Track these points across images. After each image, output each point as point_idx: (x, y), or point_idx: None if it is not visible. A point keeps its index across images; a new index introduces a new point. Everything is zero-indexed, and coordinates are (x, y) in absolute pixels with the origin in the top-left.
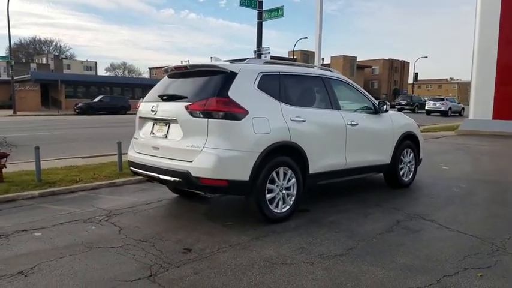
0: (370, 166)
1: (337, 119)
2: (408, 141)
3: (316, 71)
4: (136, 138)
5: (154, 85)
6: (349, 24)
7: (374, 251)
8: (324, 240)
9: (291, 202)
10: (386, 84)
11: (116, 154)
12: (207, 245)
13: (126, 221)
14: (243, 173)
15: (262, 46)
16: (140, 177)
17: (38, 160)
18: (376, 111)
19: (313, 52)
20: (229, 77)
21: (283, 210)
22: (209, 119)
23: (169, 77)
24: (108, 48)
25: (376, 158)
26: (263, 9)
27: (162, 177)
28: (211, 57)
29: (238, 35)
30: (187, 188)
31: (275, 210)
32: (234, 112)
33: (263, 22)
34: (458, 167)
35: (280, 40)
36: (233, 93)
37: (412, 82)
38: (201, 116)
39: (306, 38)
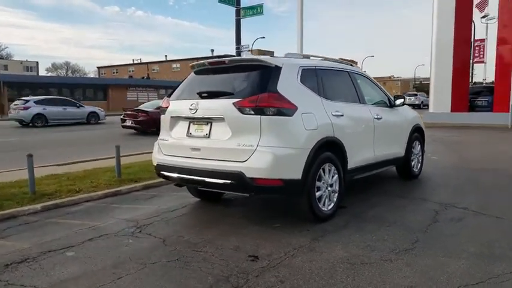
0: (391, 159)
1: (366, 113)
2: (417, 133)
3: (342, 65)
4: (166, 140)
5: (107, 85)
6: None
7: (438, 242)
8: (383, 235)
9: (335, 199)
10: None
11: (98, 159)
12: (270, 250)
13: (163, 230)
14: (296, 171)
15: (242, 44)
16: (168, 181)
17: (32, 169)
18: (391, 105)
19: (272, 51)
20: (274, 71)
21: (329, 208)
22: (262, 116)
23: (199, 73)
24: (48, 47)
25: (396, 150)
26: (241, 6)
27: (208, 180)
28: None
29: (189, 34)
30: (238, 191)
31: (323, 209)
32: (285, 108)
33: (241, 20)
34: (445, 157)
35: (232, 39)
36: (281, 88)
37: None
38: (252, 112)
39: (264, 37)
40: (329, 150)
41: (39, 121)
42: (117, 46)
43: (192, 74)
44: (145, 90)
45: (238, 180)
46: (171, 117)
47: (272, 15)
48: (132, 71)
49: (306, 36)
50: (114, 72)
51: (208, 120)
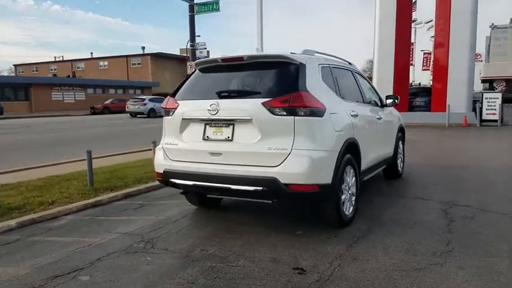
0: (386, 159)
1: (371, 113)
2: (400, 133)
3: (346, 64)
4: (175, 144)
5: (29, 84)
6: (228, 25)
7: (470, 242)
8: (413, 238)
9: (353, 202)
10: None
11: (48, 165)
12: (312, 261)
13: (179, 244)
14: (328, 175)
15: (197, 41)
16: (177, 188)
17: None
18: (382, 104)
19: (208, 51)
20: (300, 69)
21: (350, 211)
22: (295, 117)
23: (207, 71)
24: None
25: (389, 150)
26: (195, 2)
27: (234, 187)
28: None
29: (113, 30)
30: (267, 198)
31: (346, 213)
32: (317, 108)
33: (195, 16)
34: (417, 156)
35: (162, 37)
36: (310, 87)
37: None
38: (284, 113)
39: (199, 36)
40: (349, 152)
41: (152, 113)
42: (33, 42)
43: (197, 72)
44: (72, 89)
45: (271, 186)
46: (183, 119)
47: (207, 15)
48: (55, 69)
49: (242, 36)
50: (33, 71)
51: (229, 122)
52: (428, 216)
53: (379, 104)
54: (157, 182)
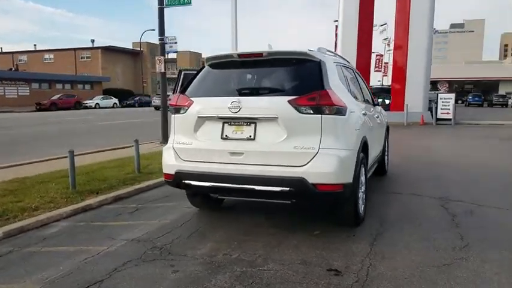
0: (379, 156)
1: (372, 112)
2: (386, 131)
3: (349, 63)
4: (188, 144)
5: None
6: (179, 21)
7: (481, 236)
8: (427, 234)
9: (364, 201)
10: None
11: (6, 166)
12: (343, 261)
13: (197, 249)
14: (351, 174)
15: (166, 35)
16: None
17: None
18: (374, 103)
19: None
20: (322, 67)
21: (362, 210)
22: (322, 115)
23: (219, 67)
24: None
25: (381, 148)
26: None
27: (258, 188)
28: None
29: (56, 21)
30: (292, 199)
31: (360, 212)
32: (341, 107)
33: (165, 8)
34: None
35: (112, 31)
36: (332, 85)
37: None
38: (311, 111)
39: (154, 30)
40: (363, 150)
41: None
42: None
43: (207, 68)
44: (15, 84)
45: (298, 187)
46: (199, 117)
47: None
48: None
49: (190, 31)
50: None
51: (251, 121)
52: (430, 211)
53: (373, 103)
54: (145, 184)
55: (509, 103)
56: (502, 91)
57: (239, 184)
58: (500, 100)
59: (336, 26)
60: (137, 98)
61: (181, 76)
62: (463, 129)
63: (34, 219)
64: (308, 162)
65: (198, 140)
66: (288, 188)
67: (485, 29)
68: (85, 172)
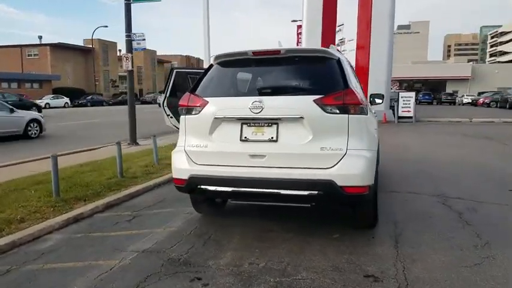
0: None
1: (373, 111)
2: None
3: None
4: (203, 146)
5: None
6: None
7: (496, 233)
8: (444, 233)
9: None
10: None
11: None
12: (376, 266)
13: (217, 258)
14: (373, 175)
15: (134, 32)
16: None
17: None
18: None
19: (115, 43)
20: (340, 65)
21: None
22: (349, 115)
23: (230, 65)
24: None
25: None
26: None
27: (284, 192)
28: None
29: None
30: (320, 202)
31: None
32: (364, 106)
33: (132, 4)
34: None
35: (61, 27)
36: (352, 84)
37: None
38: (337, 111)
39: (107, 26)
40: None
41: None
42: None
43: (217, 66)
44: None
45: (327, 189)
46: (215, 118)
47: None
48: None
49: (144, 29)
50: None
51: (273, 121)
52: (434, 210)
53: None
54: (134, 189)
55: (457, 101)
56: (449, 89)
57: (263, 188)
58: (449, 98)
59: (298, 26)
60: (89, 97)
61: (173, 75)
62: (425, 127)
63: (25, 232)
64: (336, 164)
65: (214, 143)
66: (316, 192)
67: (429, 30)
68: (61, 177)
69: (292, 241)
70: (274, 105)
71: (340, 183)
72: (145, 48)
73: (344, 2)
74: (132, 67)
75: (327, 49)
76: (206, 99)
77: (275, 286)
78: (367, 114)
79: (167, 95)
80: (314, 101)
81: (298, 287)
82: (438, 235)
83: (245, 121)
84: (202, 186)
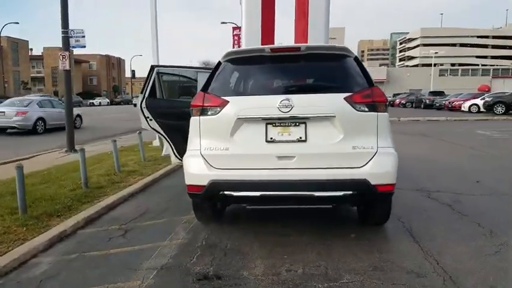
0: None
1: None
2: None
3: None
4: (224, 149)
5: None
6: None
7: (492, 222)
8: (448, 224)
9: None
10: (106, 80)
11: None
12: (412, 262)
13: (247, 269)
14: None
15: (71, 28)
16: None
17: None
18: None
19: (26, 41)
20: (358, 62)
21: None
22: (378, 113)
23: (245, 62)
24: None
25: None
26: None
27: (318, 194)
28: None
29: None
30: (355, 202)
31: None
32: (386, 104)
33: None
34: None
35: None
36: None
37: (130, 79)
38: (366, 109)
39: (18, 23)
40: None
41: None
42: None
43: (229, 64)
44: None
45: (362, 189)
46: (238, 118)
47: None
48: None
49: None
50: None
51: (300, 121)
52: (424, 204)
53: None
54: (109, 201)
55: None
56: None
57: (295, 191)
58: None
59: (233, 28)
60: None
61: (154, 73)
62: None
63: (6, 258)
64: (367, 163)
65: (236, 145)
66: (350, 192)
67: (345, 36)
68: (11, 192)
69: (315, 244)
70: (304, 103)
71: (373, 181)
72: (85, 46)
73: (280, 13)
74: (70, 66)
75: (345, 46)
76: (226, 98)
77: None
78: (387, 112)
79: (146, 96)
80: (345, 98)
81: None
82: (445, 228)
83: (270, 121)
84: (226, 193)
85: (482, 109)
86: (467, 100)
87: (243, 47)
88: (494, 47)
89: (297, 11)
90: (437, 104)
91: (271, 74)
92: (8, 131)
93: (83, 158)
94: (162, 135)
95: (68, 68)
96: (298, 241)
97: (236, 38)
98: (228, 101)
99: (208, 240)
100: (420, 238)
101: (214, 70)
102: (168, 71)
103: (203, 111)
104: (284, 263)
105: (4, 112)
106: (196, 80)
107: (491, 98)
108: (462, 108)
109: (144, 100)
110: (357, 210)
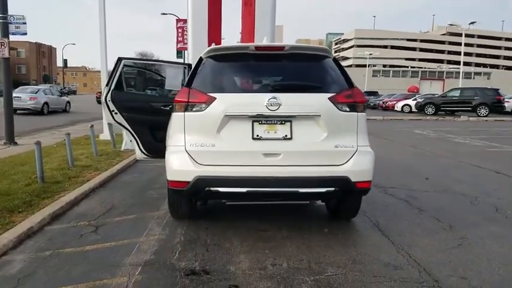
0: None
1: None
2: None
3: None
4: (211, 145)
5: None
6: None
7: (458, 218)
8: (414, 221)
9: None
10: (36, 69)
11: None
12: (386, 256)
13: (235, 264)
14: None
15: (11, 13)
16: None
17: None
18: None
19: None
20: (337, 63)
21: None
22: (358, 113)
23: (227, 59)
24: None
25: None
26: None
27: (302, 190)
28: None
29: None
30: (336, 197)
31: None
32: (365, 104)
33: None
34: None
35: None
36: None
37: (62, 69)
38: (348, 109)
39: None
40: None
41: None
42: None
43: (211, 60)
44: None
45: (343, 186)
46: (226, 115)
47: None
48: None
49: None
50: None
51: (286, 119)
52: (384, 199)
53: None
54: (71, 196)
55: None
56: None
57: (280, 187)
58: None
59: (177, 20)
60: None
61: (121, 65)
62: None
63: None
64: (348, 161)
65: (223, 141)
66: (333, 188)
67: (283, 35)
68: None
69: (294, 239)
70: (291, 102)
71: (353, 179)
72: (26, 33)
73: (228, 10)
74: (9, 54)
75: (326, 47)
76: (212, 95)
77: (317, 285)
78: (365, 112)
79: (111, 88)
80: (329, 98)
81: (337, 283)
82: (408, 222)
83: (256, 119)
84: (211, 189)
85: (414, 109)
86: (400, 100)
87: (190, 39)
88: (421, 50)
89: (244, 6)
90: (372, 104)
91: (256, 72)
92: (18, 112)
93: (39, 151)
94: (127, 129)
95: (7, 55)
96: (277, 236)
97: (180, 30)
98: (215, 98)
99: (186, 236)
100: (390, 233)
101: (196, 66)
102: (136, 64)
103: (188, 107)
104: (268, 257)
105: (20, 97)
106: (159, 74)
107: (422, 99)
108: (396, 108)
109: (110, 93)
110: (325, 205)
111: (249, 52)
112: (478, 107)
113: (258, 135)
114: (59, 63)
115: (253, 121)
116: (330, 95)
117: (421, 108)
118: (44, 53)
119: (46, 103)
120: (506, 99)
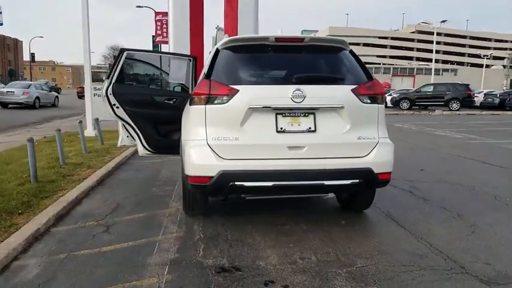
0: None
1: None
2: None
3: None
4: (235, 139)
5: None
6: None
7: (463, 207)
8: (424, 210)
9: None
10: (0, 64)
11: None
12: (408, 245)
13: (264, 260)
14: None
15: None
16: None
17: None
18: None
19: None
20: (354, 55)
21: None
22: (378, 105)
23: (246, 50)
24: None
25: None
26: None
27: (328, 183)
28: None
29: None
30: (359, 189)
31: None
32: (384, 96)
33: None
34: None
35: None
36: None
37: (30, 63)
38: (369, 101)
39: None
40: None
41: None
42: None
43: (230, 52)
44: None
45: (367, 177)
46: (250, 108)
47: None
48: None
49: None
50: None
51: (310, 111)
52: (387, 190)
53: None
54: (72, 195)
55: None
56: None
57: (306, 181)
58: None
59: (156, 13)
60: None
61: (123, 57)
62: None
63: None
64: (370, 153)
65: (247, 135)
66: (357, 180)
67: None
68: None
69: (315, 232)
70: (315, 94)
71: (376, 170)
72: (2, 24)
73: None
74: None
75: (343, 39)
76: (235, 87)
77: (351, 277)
78: (384, 104)
79: (113, 81)
80: (352, 90)
81: (371, 274)
82: (418, 212)
83: (280, 111)
84: (236, 183)
85: (389, 104)
86: None
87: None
88: (392, 47)
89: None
90: None
91: (276, 63)
92: (9, 106)
93: (31, 148)
94: (129, 124)
95: None
96: (298, 230)
97: (159, 23)
98: (238, 90)
99: (205, 232)
100: (405, 223)
101: (213, 58)
102: (139, 56)
103: (209, 100)
104: (294, 251)
105: (13, 92)
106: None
107: (397, 95)
108: None
109: (111, 86)
110: (336, 197)
111: (268, 43)
112: (450, 102)
113: (282, 128)
114: (26, 58)
115: (276, 113)
116: (352, 86)
117: (396, 103)
118: (9, 46)
119: (38, 97)
120: (475, 94)
